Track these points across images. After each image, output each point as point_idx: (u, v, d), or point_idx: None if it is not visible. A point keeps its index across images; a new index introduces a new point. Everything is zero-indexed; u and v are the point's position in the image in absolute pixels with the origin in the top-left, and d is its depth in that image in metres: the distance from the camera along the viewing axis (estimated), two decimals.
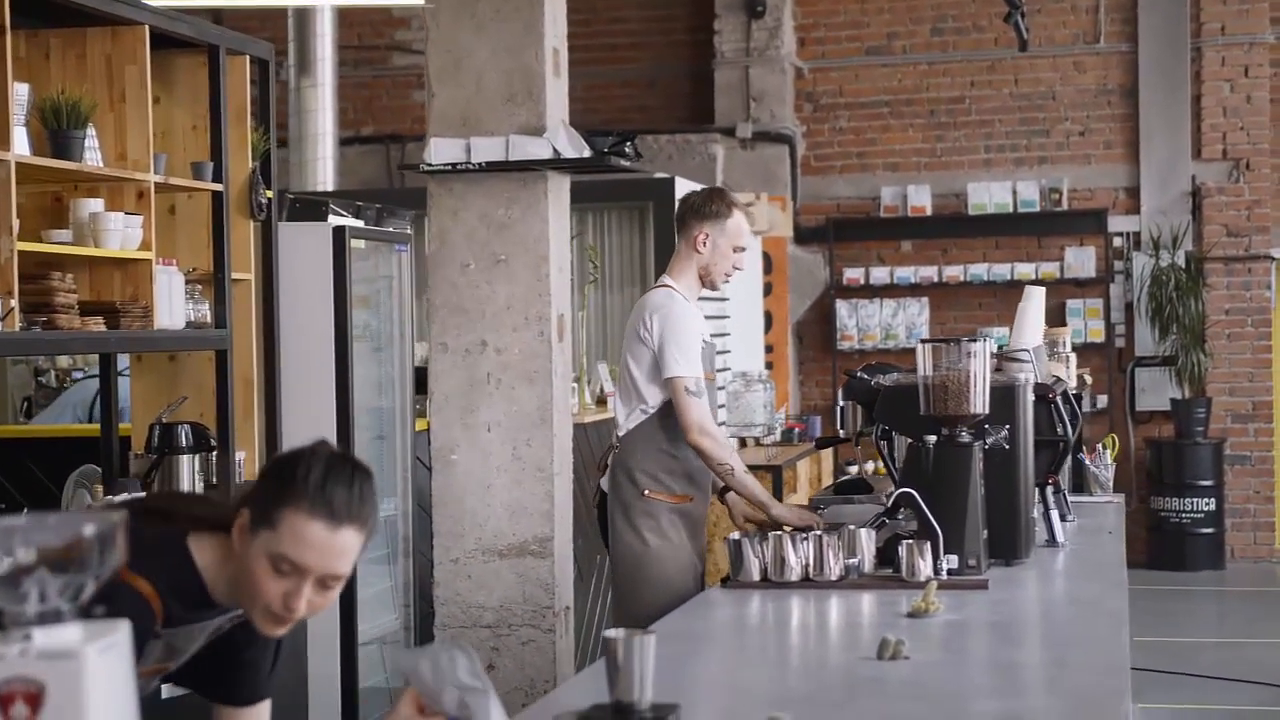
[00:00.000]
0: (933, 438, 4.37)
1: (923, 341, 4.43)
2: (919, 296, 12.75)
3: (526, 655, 5.62)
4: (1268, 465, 12.52)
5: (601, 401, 7.99)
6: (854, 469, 12.16)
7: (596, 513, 5.41)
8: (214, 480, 5.53)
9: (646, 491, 5.13)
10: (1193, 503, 12.12)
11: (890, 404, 4.64)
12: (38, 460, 6.52)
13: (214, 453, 5.50)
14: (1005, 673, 3.32)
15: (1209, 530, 12.15)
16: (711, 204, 5.24)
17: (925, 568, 4.15)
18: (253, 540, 2.57)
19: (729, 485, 5.15)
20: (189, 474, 5.35)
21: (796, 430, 10.77)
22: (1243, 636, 10.01)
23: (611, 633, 2.73)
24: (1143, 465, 12.48)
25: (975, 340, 4.38)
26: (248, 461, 5.78)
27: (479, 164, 5.65)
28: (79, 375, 8.70)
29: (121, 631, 1.79)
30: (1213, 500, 12.14)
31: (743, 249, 5.29)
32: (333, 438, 6.25)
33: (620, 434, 5.23)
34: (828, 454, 11.11)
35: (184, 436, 5.35)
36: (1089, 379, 10.05)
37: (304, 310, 6.13)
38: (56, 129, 4.76)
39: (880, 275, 12.76)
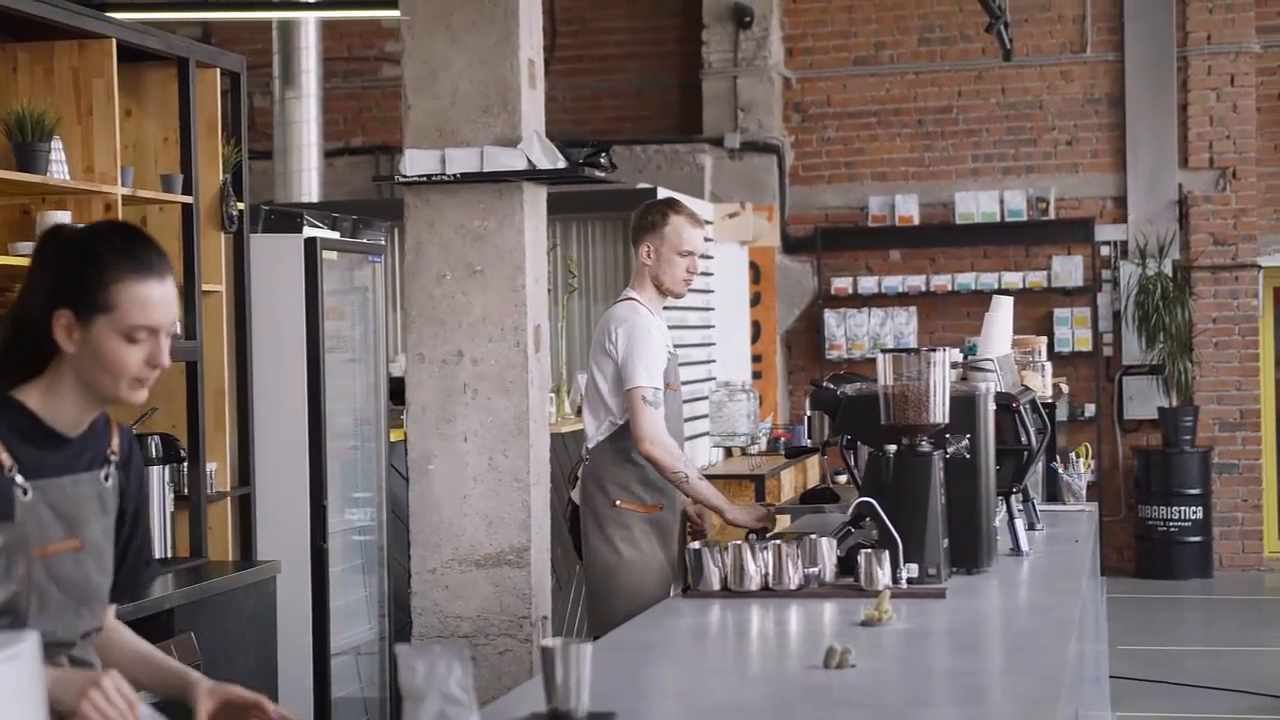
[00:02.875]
0: (893, 447, 4.39)
1: (883, 351, 4.45)
2: (907, 306, 12.76)
3: (504, 665, 5.62)
4: (1255, 473, 12.52)
5: (580, 411, 8.01)
6: (843, 479, 12.18)
7: (569, 525, 5.46)
8: (185, 492, 5.54)
9: (618, 502, 5.21)
10: (1180, 511, 12.12)
11: (852, 413, 4.65)
12: None
13: (184, 464, 5.52)
14: (946, 681, 3.33)
15: (1197, 539, 12.16)
16: (648, 215, 5.39)
17: (884, 577, 4.16)
18: (89, 330, 2.66)
19: (685, 493, 5.21)
20: (159, 485, 5.36)
21: (783, 440, 10.79)
22: (1229, 645, 10.02)
23: (548, 642, 2.75)
24: (1130, 474, 12.49)
25: (935, 350, 4.40)
26: (219, 472, 5.80)
27: (454, 175, 5.68)
28: None
29: (28, 642, 1.81)
30: (1200, 509, 12.14)
31: (689, 253, 5.35)
32: (305, 448, 6.27)
33: (590, 445, 5.33)
34: (814, 463, 11.13)
35: (154, 448, 5.36)
36: (1065, 388, 10.06)
37: (276, 321, 6.15)
38: (21, 142, 4.78)
39: (868, 285, 12.78)
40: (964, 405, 4.51)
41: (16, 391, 2.72)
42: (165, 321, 2.69)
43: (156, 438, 5.40)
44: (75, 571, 2.71)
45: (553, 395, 8.01)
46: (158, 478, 5.37)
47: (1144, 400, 12.46)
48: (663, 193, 9.77)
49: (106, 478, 2.80)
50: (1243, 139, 12.44)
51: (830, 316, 12.82)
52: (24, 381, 2.73)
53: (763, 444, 10.41)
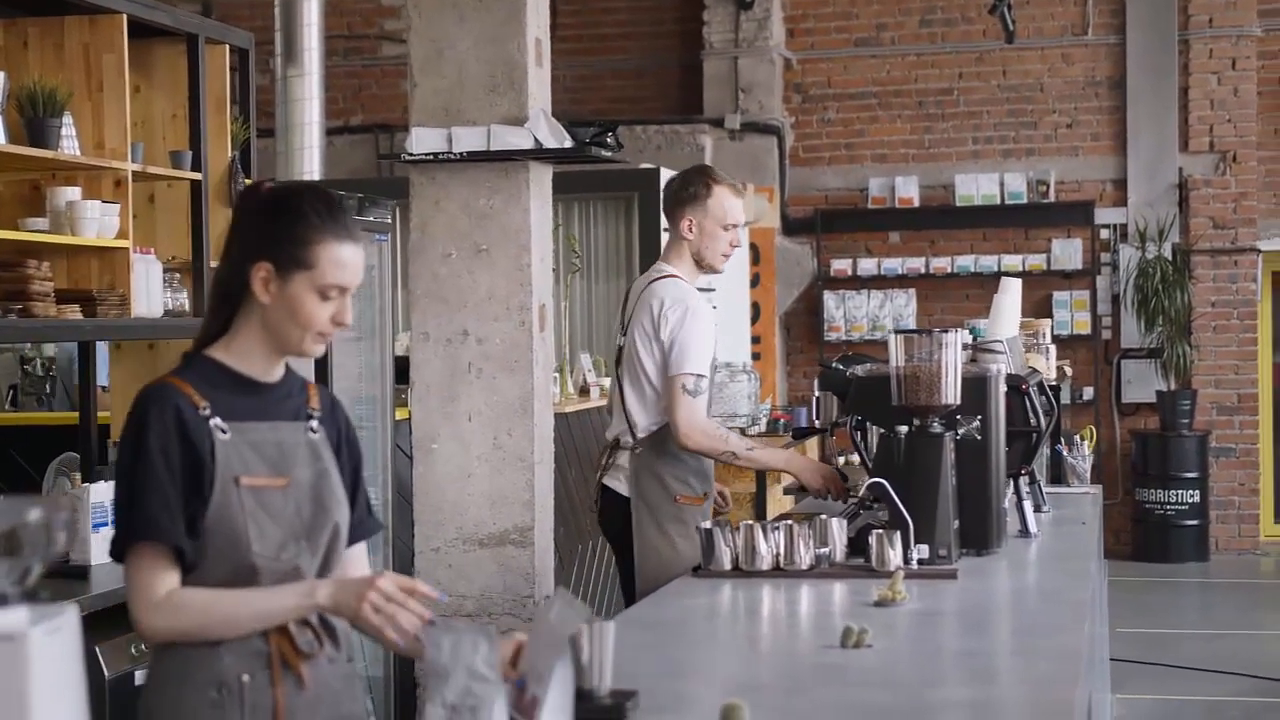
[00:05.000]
0: (904, 428, 4.38)
1: (895, 332, 4.44)
2: (906, 288, 12.77)
3: None
4: (1252, 457, 12.55)
5: (584, 391, 8.01)
6: (841, 459, 12.20)
7: (598, 515, 5.26)
8: None
9: (678, 497, 5.04)
10: (1177, 494, 12.15)
11: (863, 394, 4.65)
12: (21, 448, 6.54)
13: None
14: (963, 661, 3.34)
15: (1193, 522, 12.19)
16: (689, 186, 5.15)
17: (895, 557, 4.17)
18: (286, 284, 2.81)
19: (746, 467, 5.02)
20: None
21: (783, 421, 10.80)
22: (1226, 628, 10.05)
23: None
24: (1128, 457, 12.51)
25: (947, 331, 4.39)
26: None
27: (460, 154, 5.67)
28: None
29: (67, 616, 1.81)
30: (1197, 492, 12.17)
31: (733, 225, 5.15)
32: None
33: (639, 435, 5.09)
34: (814, 444, 11.15)
35: None
36: (1069, 371, 10.08)
37: None
38: (33, 117, 4.76)
39: (868, 266, 12.78)
40: (975, 387, 4.51)
41: (210, 348, 2.87)
42: (355, 283, 2.84)
43: None
44: (284, 506, 2.83)
45: (556, 375, 8.01)
46: None
47: (1142, 384, 12.48)
48: (668, 174, 9.76)
49: (312, 430, 2.91)
50: (1243, 123, 12.44)
51: (829, 298, 12.82)
52: (212, 343, 2.87)
53: (762, 425, 10.42)
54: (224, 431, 2.78)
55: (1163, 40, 12.49)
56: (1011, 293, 5.53)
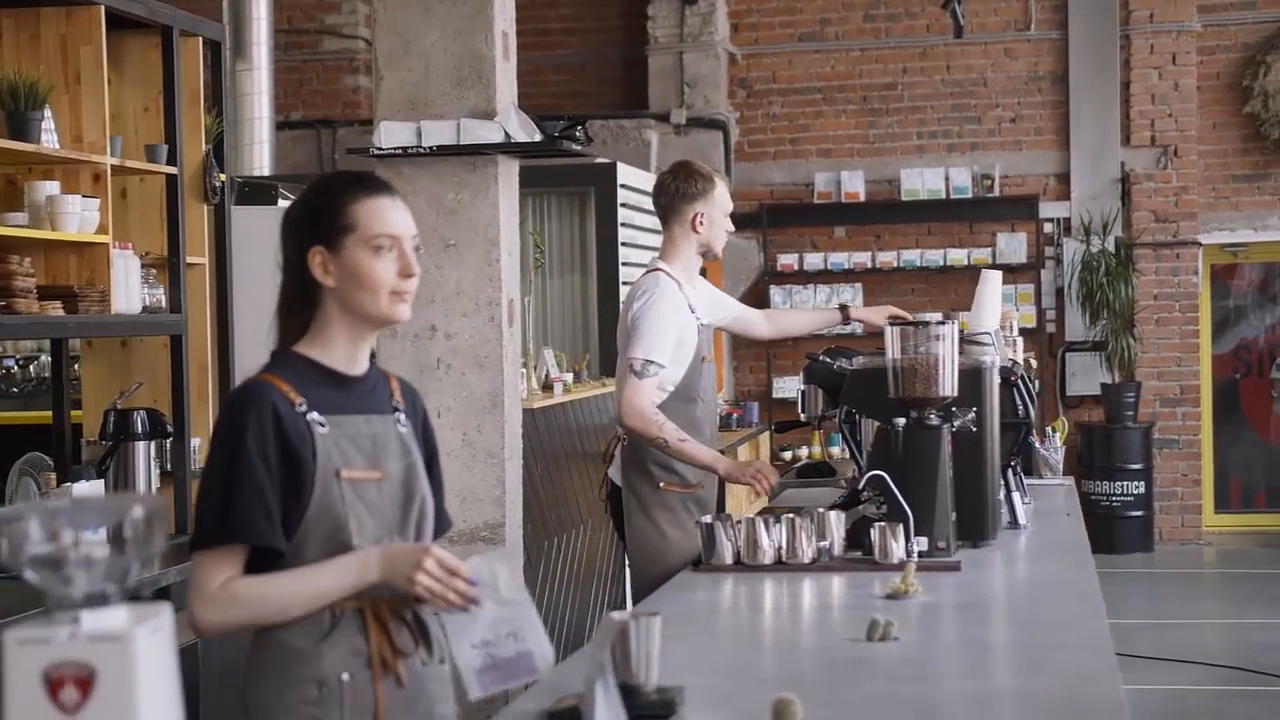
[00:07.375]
0: (902, 420, 4.38)
1: (891, 324, 4.43)
2: (853, 282, 12.80)
3: None
4: (1195, 449, 12.68)
5: (548, 387, 7.97)
6: (787, 455, 12.22)
7: (608, 505, 5.29)
8: (169, 467, 5.46)
9: (662, 484, 5.09)
10: (1122, 486, 12.26)
11: (858, 387, 4.64)
12: None
13: (169, 439, 5.43)
14: (995, 653, 3.34)
15: (1138, 513, 12.30)
16: (695, 183, 5.22)
17: (898, 550, 4.16)
18: (340, 256, 2.81)
19: (673, 458, 5.05)
20: (144, 460, 5.28)
21: (734, 416, 10.82)
22: (1174, 618, 10.15)
23: (618, 615, 2.73)
24: (1073, 449, 12.60)
25: (944, 323, 4.39)
26: (203, 448, 5.71)
27: (430, 148, 5.63)
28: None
29: (165, 615, 1.77)
30: (1142, 483, 12.28)
31: (729, 211, 5.32)
32: None
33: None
34: (765, 439, 11.17)
35: (140, 423, 5.28)
36: (1034, 362, 10.15)
37: (257, 295, 6.05)
38: (14, 110, 4.67)
39: (814, 261, 12.81)
40: (970, 378, 4.52)
41: (297, 345, 2.87)
42: (404, 231, 2.84)
43: (142, 413, 5.31)
44: (380, 500, 2.82)
45: (522, 371, 7.97)
46: (144, 453, 5.28)
47: (1087, 376, 12.58)
48: (625, 169, 9.76)
49: (400, 424, 2.90)
50: (1184, 117, 12.56)
51: (776, 293, 12.84)
52: (295, 342, 2.87)
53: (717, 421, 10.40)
54: (322, 425, 2.79)
55: (1104, 35, 12.59)
56: (992, 285, 5.54)
